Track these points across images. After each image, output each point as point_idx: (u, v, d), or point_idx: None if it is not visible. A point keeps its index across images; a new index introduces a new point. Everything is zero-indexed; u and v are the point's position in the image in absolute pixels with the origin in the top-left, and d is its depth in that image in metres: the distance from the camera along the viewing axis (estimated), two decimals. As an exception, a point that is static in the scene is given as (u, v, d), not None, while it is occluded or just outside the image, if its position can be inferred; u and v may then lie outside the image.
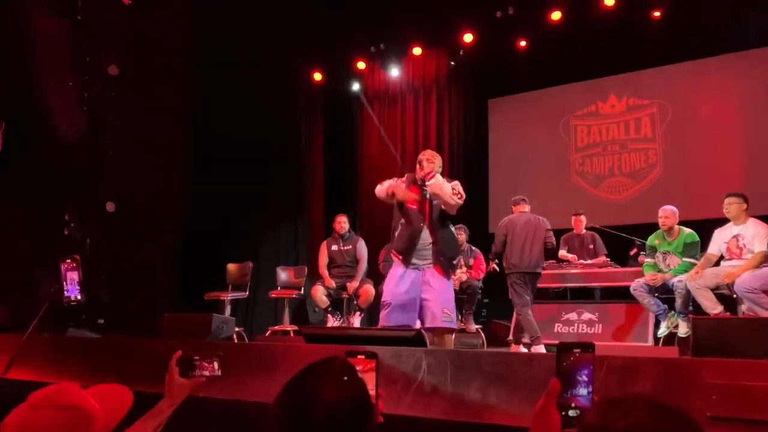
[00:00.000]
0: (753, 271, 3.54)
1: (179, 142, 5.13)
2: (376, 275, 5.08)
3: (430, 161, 3.04)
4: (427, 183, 2.99)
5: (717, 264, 3.91)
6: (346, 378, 0.97)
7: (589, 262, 5.23)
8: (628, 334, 4.76)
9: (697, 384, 1.71)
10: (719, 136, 6.05)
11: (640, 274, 4.29)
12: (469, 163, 7.04)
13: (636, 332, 4.72)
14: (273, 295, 5.45)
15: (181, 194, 5.20)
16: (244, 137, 5.76)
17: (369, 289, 4.85)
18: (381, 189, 3.16)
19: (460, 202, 3.00)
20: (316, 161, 7.07)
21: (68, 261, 2.09)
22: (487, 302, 5.77)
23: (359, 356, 1.27)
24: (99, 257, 4.44)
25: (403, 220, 3.13)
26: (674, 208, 4.22)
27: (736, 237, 3.82)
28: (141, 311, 4.40)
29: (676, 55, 6.15)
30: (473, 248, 5.34)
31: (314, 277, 5.26)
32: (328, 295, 4.93)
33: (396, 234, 3.17)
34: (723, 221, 3.96)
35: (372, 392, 1.23)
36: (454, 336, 3.35)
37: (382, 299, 3.19)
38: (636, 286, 4.18)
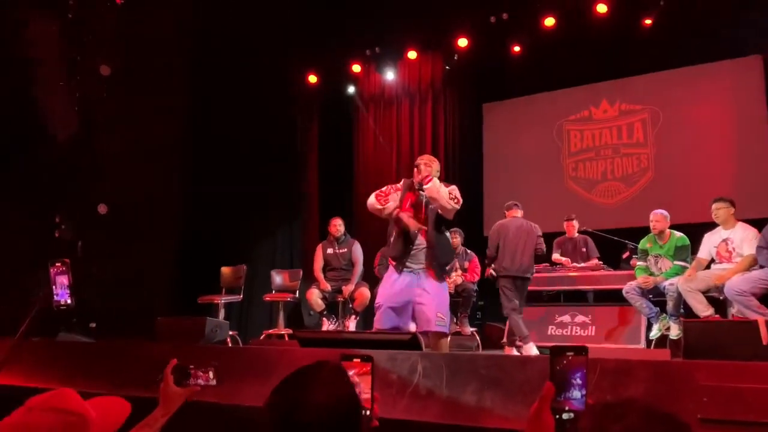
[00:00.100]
0: (742, 274, 3.58)
1: (173, 143, 5.10)
2: (372, 278, 5.08)
3: (428, 165, 3.04)
4: (424, 186, 2.99)
5: (708, 268, 3.95)
6: (335, 382, 0.98)
7: (581, 265, 5.26)
8: (621, 337, 4.79)
9: (689, 386, 1.73)
10: (709, 141, 6.13)
11: (633, 277, 4.32)
12: (464, 167, 7.07)
13: (628, 334, 4.75)
14: (268, 299, 5.43)
15: (174, 197, 5.18)
16: (239, 139, 5.75)
17: (364, 292, 4.85)
18: (374, 206, 3.10)
19: (457, 206, 3.00)
20: (312, 164, 7.07)
21: (57, 264, 2.07)
22: (482, 305, 5.79)
23: (355, 360, 1.27)
24: (91, 260, 4.40)
25: (397, 227, 3.13)
26: (665, 212, 4.26)
27: (725, 241, 3.87)
28: (134, 315, 4.37)
29: (668, 62, 6.22)
30: (468, 251, 5.36)
31: (309, 280, 5.25)
32: (324, 299, 4.92)
33: (391, 240, 3.18)
34: (713, 225, 4.01)
35: (367, 395, 1.23)
36: (449, 339, 3.36)
37: (376, 302, 3.20)
38: (628, 289, 4.21)
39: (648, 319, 4.35)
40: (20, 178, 4.34)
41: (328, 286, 4.95)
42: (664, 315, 4.10)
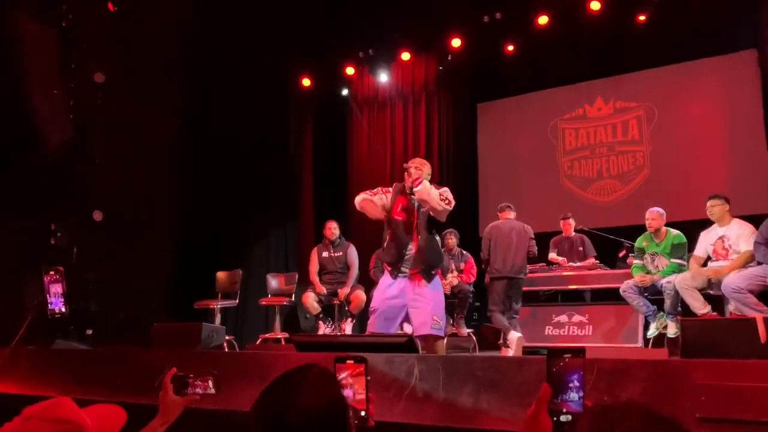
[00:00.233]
0: (739, 271, 3.58)
1: (168, 147, 5.08)
2: (367, 281, 5.07)
3: (419, 169, 3.04)
4: (414, 189, 2.99)
5: (704, 265, 3.96)
6: (323, 385, 0.97)
7: (578, 264, 5.26)
8: (618, 336, 4.79)
9: (687, 385, 1.72)
10: (705, 138, 6.14)
11: (630, 276, 4.32)
12: (459, 167, 7.07)
13: (626, 333, 4.76)
14: (263, 303, 5.41)
15: (169, 202, 5.15)
16: (233, 143, 5.73)
17: (360, 295, 4.84)
18: (362, 201, 3.12)
19: (449, 208, 3.00)
20: (306, 166, 7.05)
21: (51, 273, 2.05)
22: (479, 306, 5.78)
23: (348, 361, 1.27)
24: (86, 266, 4.38)
25: (389, 231, 3.12)
26: (661, 210, 4.27)
27: (721, 238, 3.87)
28: (130, 321, 4.35)
29: (662, 58, 6.24)
30: (464, 252, 5.35)
31: (305, 283, 5.23)
32: (320, 302, 4.91)
33: (385, 245, 3.17)
34: (709, 222, 4.01)
35: (362, 396, 1.24)
36: (445, 341, 3.35)
37: (371, 306, 3.20)
38: (625, 287, 4.21)
39: (645, 318, 4.36)
40: (15, 185, 4.31)
41: (323, 290, 4.93)
42: (662, 313, 4.11)
